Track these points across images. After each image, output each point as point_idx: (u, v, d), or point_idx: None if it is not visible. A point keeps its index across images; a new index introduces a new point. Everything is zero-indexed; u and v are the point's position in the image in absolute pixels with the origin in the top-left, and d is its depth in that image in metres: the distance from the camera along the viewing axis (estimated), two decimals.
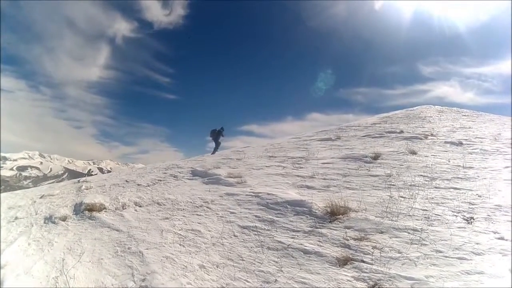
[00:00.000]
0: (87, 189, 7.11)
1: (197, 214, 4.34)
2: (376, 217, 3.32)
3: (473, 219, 3.06)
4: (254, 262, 2.88)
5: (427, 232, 2.87)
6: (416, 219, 3.18)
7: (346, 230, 3.15)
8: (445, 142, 7.01)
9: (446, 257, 2.49)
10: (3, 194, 8.19)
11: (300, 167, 6.11)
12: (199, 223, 3.99)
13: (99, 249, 3.67)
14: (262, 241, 3.23)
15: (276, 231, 3.41)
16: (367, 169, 5.28)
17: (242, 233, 3.52)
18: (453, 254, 2.51)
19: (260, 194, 4.50)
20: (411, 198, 3.74)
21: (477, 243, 2.61)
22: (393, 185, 4.35)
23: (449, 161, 5.33)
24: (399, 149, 6.56)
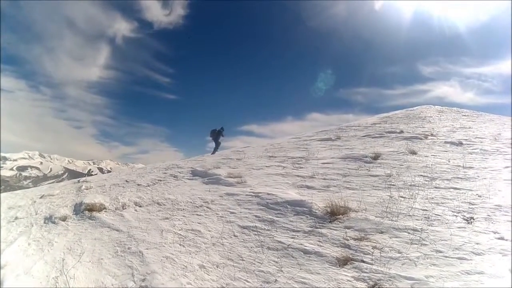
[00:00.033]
0: (87, 189, 7.11)
1: (197, 214, 4.34)
2: (376, 217, 3.32)
3: (473, 219, 3.06)
4: (254, 262, 2.88)
5: (427, 232, 2.87)
6: (416, 219, 3.18)
7: (346, 230, 3.15)
8: (445, 142, 7.01)
9: (446, 257, 2.49)
10: (3, 194, 8.19)
11: (300, 167, 6.11)
12: (199, 223, 3.99)
13: (99, 249, 3.67)
14: (262, 241, 3.23)
15: (276, 231, 3.41)
16: (367, 169, 5.28)
17: (242, 233, 3.52)
18: (453, 254, 2.51)
19: (260, 194, 4.51)
20: (411, 198, 3.74)
21: (477, 243, 2.61)
22: (393, 185, 4.35)
23: (449, 161, 5.33)
24: (399, 149, 6.56)
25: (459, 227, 2.93)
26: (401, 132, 8.75)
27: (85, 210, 5.09)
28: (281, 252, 2.96)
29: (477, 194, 3.70)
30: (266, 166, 6.63)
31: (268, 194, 4.43)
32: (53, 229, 4.57)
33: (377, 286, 2.29)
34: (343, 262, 2.64)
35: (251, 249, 3.13)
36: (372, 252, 2.69)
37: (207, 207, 4.54)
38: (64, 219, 4.92)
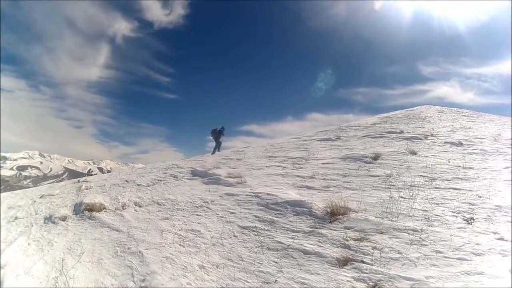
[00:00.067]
0: (87, 189, 7.11)
1: (197, 214, 4.34)
2: (376, 217, 3.32)
3: (473, 219, 3.06)
4: (254, 262, 2.88)
5: (427, 233, 2.87)
6: (416, 220, 3.18)
7: (346, 230, 3.15)
8: (445, 142, 7.01)
9: (446, 257, 2.49)
10: (3, 194, 8.19)
11: (300, 167, 6.10)
12: (199, 223, 3.99)
13: (99, 249, 3.67)
14: (262, 242, 3.23)
15: (276, 231, 3.41)
16: (367, 170, 5.28)
17: (242, 233, 3.51)
18: (453, 254, 2.51)
19: (260, 194, 4.50)
20: (411, 199, 3.74)
21: (477, 244, 2.61)
22: (393, 185, 4.35)
23: (449, 162, 5.33)
24: (399, 149, 6.56)
25: (459, 228, 2.93)
26: (401, 132, 8.75)
27: (85, 210, 5.09)
28: (281, 253, 2.96)
29: (477, 195, 3.70)
30: (266, 166, 6.63)
31: (268, 194, 4.43)
32: (53, 229, 4.57)
33: (377, 287, 2.29)
34: (343, 262, 2.64)
35: (251, 249, 3.13)
36: (372, 253, 2.69)
37: (207, 207, 4.54)
38: (64, 219, 4.92)
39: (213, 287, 2.61)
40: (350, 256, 2.69)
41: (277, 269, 2.71)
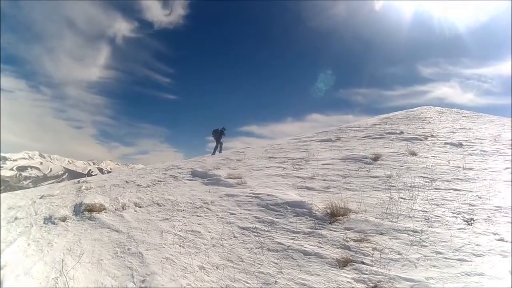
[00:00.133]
0: (87, 190, 7.11)
1: (197, 215, 4.34)
2: (376, 218, 3.32)
3: (473, 220, 3.06)
4: (254, 263, 2.87)
5: (427, 234, 2.87)
6: (416, 221, 3.17)
7: (346, 231, 3.15)
8: (445, 143, 7.02)
9: (446, 258, 2.49)
10: (3, 194, 8.19)
11: (300, 168, 6.11)
12: (199, 224, 3.99)
13: (98, 250, 3.67)
14: (262, 243, 3.23)
15: (276, 232, 3.41)
16: (367, 170, 5.28)
17: (242, 234, 3.51)
18: (453, 255, 2.51)
19: (260, 195, 4.50)
20: (411, 200, 3.74)
21: (477, 245, 2.61)
22: (393, 186, 4.35)
23: (449, 162, 5.33)
24: (399, 150, 6.56)
25: (459, 229, 2.93)
26: (401, 133, 8.75)
27: (85, 211, 5.09)
28: (281, 254, 2.96)
29: (477, 196, 3.70)
30: (266, 167, 6.63)
31: (268, 195, 4.43)
32: (52, 230, 4.57)
33: None
34: (343, 263, 2.64)
35: (251, 250, 3.12)
36: (372, 254, 2.69)
37: (207, 208, 4.54)
38: (64, 219, 4.92)
39: None
40: (350, 257, 2.69)
41: (277, 270, 2.71)
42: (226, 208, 4.38)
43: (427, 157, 5.84)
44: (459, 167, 4.99)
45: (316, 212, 3.66)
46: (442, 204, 3.55)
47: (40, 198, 6.93)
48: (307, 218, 3.60)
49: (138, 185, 6.79)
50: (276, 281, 2.56)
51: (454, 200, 3.65)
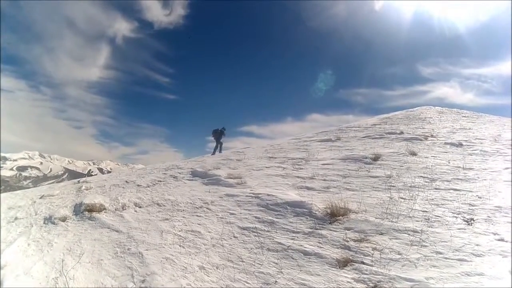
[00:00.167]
0: (87, 190, 7.11)
1: (197, 215, 4.34)
2: (376, 218, 3.32)
3: (473, 220, 3.06)
4: (254, 263, 2.87)
5: (427, 234, 2.87)
6: (416, 221, 3.17)
7: (346, 231, 3.15)
8: (445, 143, 7.02)
9: (446, 258, 2.49)
10: (3, 194, 8.19)
11: (300, 168, 6.11)
12: (199, 224, 3.99)
13: (98, 250, 3.67)
14: (262, 243, 3.23)
15: (276, 232, 3.41)
16: (367, 170, 5.28)
17: (242, 234, 3.51)
18: (453, 255, 2.51)
19: (260, 195, 4.50)
20: (411, 200, 3.74)
21: (477, 245, 2.61)
22: (393, 186, 4.35)
23: (449, 162, 5.33)
24: (399, 150, 6.56)
25: (459, 229, 2.93)
26: (401, 133, 8.75)
27: (85, 211, 5.09)
28: (281, 254, 2.96)
29: (477, 196, 3.70)
30: (266, 167, 6.63)
31: (268, 195, 4.43)
32: (52, 230, 4.57)
33: None
34: (343, 263, 2.64)
35: (251, 250, 3.12)
36: (372, 254, 2.69)
37: (207, 208, 4.54)
38: (64, 219, 4.92)
39: None
40: (350, 257, 2.69)
41: (277, 270, 2.71)
42: (226, 208, 4.38)
43: (427, 157, 5.83)
44: (459, 167, 4.99)
45: (316, 212, 3.66)
46: (442, 204, 3.55)
47: (40, 198, 6.93)
48: (307, 218, 3.60)
49: (138, 185, 6.79)
50: (276, 281, 2.56)
51: (454, 200, 3.65)
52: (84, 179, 9.46)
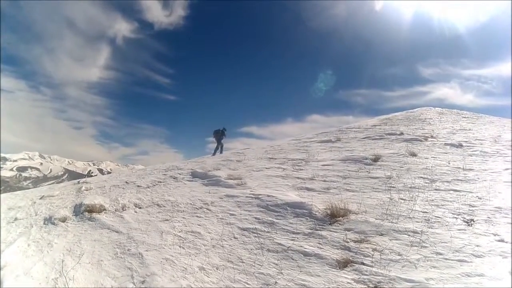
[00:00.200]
0: (87, 190, 7.11)
1: (197, 216, 4.33)
2: (376, 219, 3.32)
3: (473, 221, 3.06)
4: (254, 264, 2.87)
5: (427, 234, 2.87)
6: (416, 221, 3.17)
7: (346, 232, 3.15)
8: (445, 144, 7.02)
9: (446, 259, 2.49)
10: (3, 195, 8.19)
11: (300, 169, 6.11)
12: (199, 225, 3.99)
13: (98, 250, 3.67)
14: (262, 243, 3.23)
15: (276, 233, 3.41)
16: (367, 171, 5.28)
17: (242, 235, 3.51)
18: (453, 256, 2.51)
19: (260, 196, 4.50)
20: (411, 200, 3.74)
21: (477, 245, 2.61)
22: (393, 187, 4.35)
23: (449, 163, 5.33)
24: (399, 151, 6.56)
25: (459, 229, 2.93)
26: (401, 134, 8.75)
27: (85, 211, 5.09)
28: (281, 254, 2.96)
29: (477, 196, 3.70)
30: (266, 168, 6.63)
31: (268, 196, 4.43)
32: (52, 230, 4.56)
33: None
34: (343, 264, 2.64)
35: (251, 251, 3.12)
36: (372, 255, 2.68)
37: (207, 209, 4.54)
38: (63, 220, 4.92)
39: None
40: (350, 258, 2.69)
41: (277, 271, 2.71)
42: (226, 209, 4.38)
43: (427, 158, 5.84)
44: (459, 168, 4.99)
45: (316, 213, 3.66)
46: (442, 205, 3.55)
47: (40, 198, 6.93)
48: (307, 219, 3.60)
49: (138, 186, 6.79)
50: (276, 282, 2.55)
51: (454, 201, 3.65)
52: (84, 179, 9.47)
